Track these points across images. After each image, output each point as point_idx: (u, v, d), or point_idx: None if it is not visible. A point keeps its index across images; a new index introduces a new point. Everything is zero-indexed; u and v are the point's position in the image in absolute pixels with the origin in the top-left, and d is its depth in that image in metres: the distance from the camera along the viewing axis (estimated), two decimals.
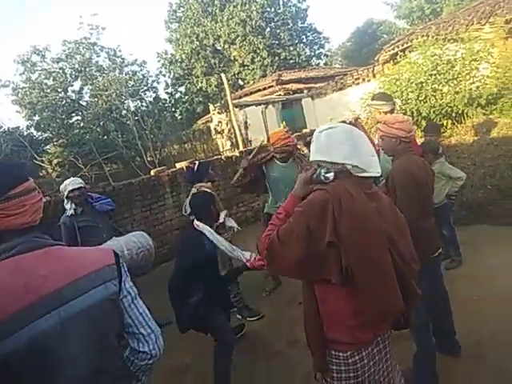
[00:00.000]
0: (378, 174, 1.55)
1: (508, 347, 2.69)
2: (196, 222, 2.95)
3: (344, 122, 3.61)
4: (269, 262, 1.56)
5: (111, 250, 1.34)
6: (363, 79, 12.53)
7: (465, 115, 8.28)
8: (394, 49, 11.41)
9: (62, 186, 3.75)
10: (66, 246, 1.31)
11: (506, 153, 6.16)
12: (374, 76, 11.94)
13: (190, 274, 2.74)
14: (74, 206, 3.71)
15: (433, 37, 9.42)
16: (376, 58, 12.86)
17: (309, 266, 1.46)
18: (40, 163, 12.24)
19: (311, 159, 1.60)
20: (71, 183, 3.68)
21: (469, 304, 3.31)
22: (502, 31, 8.68)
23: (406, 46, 10.69)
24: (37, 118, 15.20)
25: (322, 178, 1.52)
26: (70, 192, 3.64)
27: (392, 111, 3.57)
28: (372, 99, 3.74)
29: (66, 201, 3.74)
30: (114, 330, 1.25)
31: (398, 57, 10.17)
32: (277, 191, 4.01)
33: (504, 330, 2.86)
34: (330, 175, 1.51)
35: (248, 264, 2.75)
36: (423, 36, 9.82)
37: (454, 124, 8.38)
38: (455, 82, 8.34)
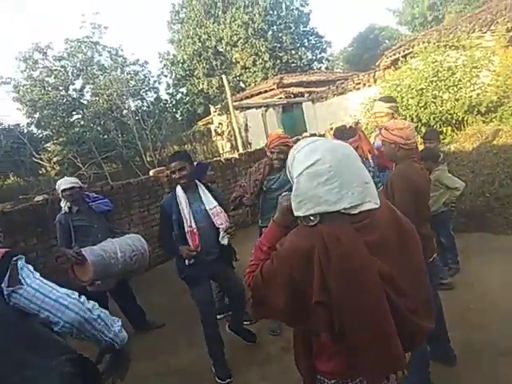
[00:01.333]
0: (376, 206, 1.28)
1: (503, 357, 2.68)
2: None
3: (345, 126, 3.58)
4: (254, 304, 1.43)
5: (3, 251, 1.37)
6: (364, 84, 12.56)
7: (465, 122, 8.30)
8: (395, 54, 11.44)
9: (56, 185, 3.74)
10: None
11: (505, 161, 6.16)
12: (375, 81, 11.97)
13: None
14: (68, 204, 3.69)
15: (434, 43, 9.45)
16: (377, 64, 12.90)
17: (296, 317, 1.33)
18: (39, 161, 12.23)
19: (295, 214, 1.30)
20: (64, 182, 3.66)
21: (466, 312, 3.30)
22: (503, 39, 8.70)
23: (407, 52, 10.72)
24: (37, 115, 15.22)
25: (303, 221, 1.28)
26: (62, 191, 3.63)
27: (393, 114, 3.56)
28: (386, 102, 3.66)
29: (62, 199, 3.73)
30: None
31: (399, 63, 10.20)
32: (270, 205, 3.41)
33: (500, 340, 2.85)
34: (312, 219, 1.26)
35: None
36: (424, 42, 9.85)
37: (453, 131, 8.40)
38: (455, 88, 8.36)
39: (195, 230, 3.02)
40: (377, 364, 1.26)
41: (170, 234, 3.10)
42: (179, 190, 3.09)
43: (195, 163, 4.06)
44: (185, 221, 3.02)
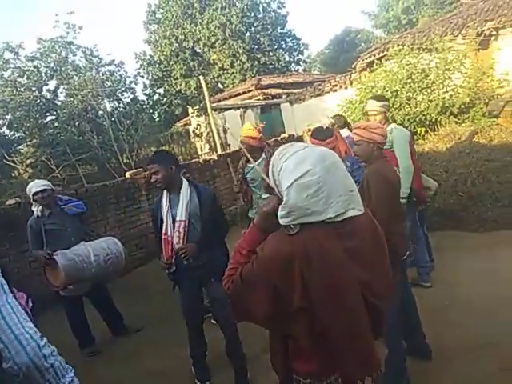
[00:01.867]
0: (360, 212, 1.30)
1: (477, 352, 2.75)
2: None
3: (321, 127, 3.61)
4: (233, 308, 1.42)
5: None
6: (340, 86, 12.73)
7: (438, 123, 8.50)
8: (370, 57, 11.63)
9: (27, 188, 3.64)
10: None
11: (477, 161, 6.33)
12: (351, 83, 12.15)
13: None
14: (40, 207, 3.59)
15: (408, 46, 9.65)
16: (353, 66, 13.09)
17: (276, 323, 1.35)
18: (11, 163, 11.88)
19: (283, 222, 1.27)
20: (34, 185, 3.56)
21: (440, 309, 3.37)
22: (473, 43, 8.97)
23: (382, 54, 10.92)
24: (9, 116, 14.76)
25: (285, 229, 1.28)
26: (33, 194, 3.53)
27: (385, 113, 3.60)
28: (378, 101, 3.62)
29: (33, 203, 3.62)
30: None
31: (374, 65, 10.37)
32: (255, 195, 3.99)
33: (473, 336, 2.92)
34: (293, 227, 1.26)
35: None
36: (399, 45, 10.04)
37: (427, 132, 8.59)
38: (429, 90, 8.57)
39: (169, 238, 2.80)
40: (356, 366, 1.31)
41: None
42: (165, 192, 2.88)
43: None
44: (163, 226, 2.83)
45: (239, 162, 4.23)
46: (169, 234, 2.80)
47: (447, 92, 8.57)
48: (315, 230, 1.25)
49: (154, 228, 3.02)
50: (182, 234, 2.78)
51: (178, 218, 2.78)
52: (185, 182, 2.87)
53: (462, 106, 8.42)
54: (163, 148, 13.16)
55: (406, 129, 3.62)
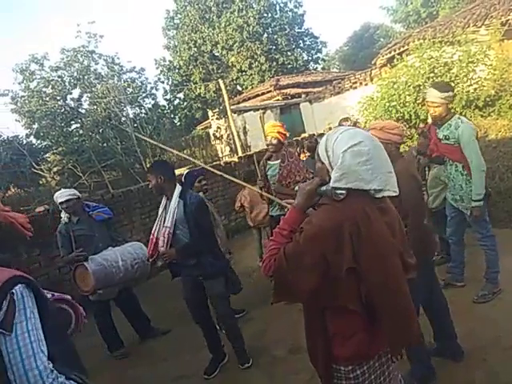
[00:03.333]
0: (396, 194, 1.44)
1: (509, 351, 2.67)
2: None
3: (343, 125, 3.59)
4: (275, 286, 1.45)
5: (7, 277, 1.20)
6: (361, 83, 12.57)
7: (463, 117, 8.28)
8: (390, 52, 11.46)
9: (54, 197, 3.74)
10: None
11: (504, 155, 6.15)
12: (372, 80, 11.99)
13: None
14: (67, 214, 3.69)
15: (429, 40, 9.46)
16: (373, 62, 12.92)
17: (323, 294, 1.39)
18: (39, 171, 12.22)
19: (335, 185, 1.38)
20: (59, 196, 3.65)
21: (474, 307, 3.29)
22: (497, 33, 8.70)
23: (402, 49, 10.74)
24: (36, 126, 15.21)
25: (333, 195, 1.39)
26: (60, 204, 3.64)
27: (447, 105, 3.25)
28: (440, 91, 3.17)
29: (62, 210, 3.73)
30: None
31: (395, 60, 10.22)
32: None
33: (508, 334, 2.83)
34: (343, 193, 1.38)
35: None
36: (420, 39, 9.86)
37: None
38: (453, 84, 8.36)
39: (154, 239, 3.05)
40: (400, 333, 1.42)
41: None
42: (164, 197, 3.14)
43: (185, 172, 4.10)
44: (154, 226, 3.12)
45: (261, 161, 4.40)
46: (155, 235, 3.05)
47: (471, 85, 8.36)
48: (360, 201, 1.38)
49: None
50: (165, 240, 2.99)
51: (164, 224, 3.02)
52: (176, 190, 3.02)
53: (488, 99, 8.20)
54: (184, 152, 13.31)
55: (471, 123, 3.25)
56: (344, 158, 1.37)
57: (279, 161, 4.08)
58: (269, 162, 4.22)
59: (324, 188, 1.43)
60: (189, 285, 3.17)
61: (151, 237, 3.08)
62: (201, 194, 3.81)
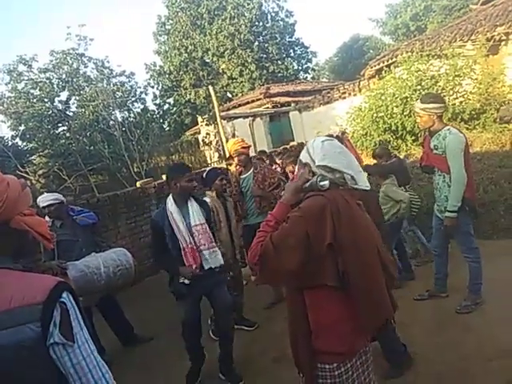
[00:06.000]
0: (368, 188, 1.65)
1: (495, 362, 2.69)
2: None
3: (331, 135, 3.62)
4: (260, 269, 1.50)
5: (52, 285, 1.10)
6: (349, 93, 12.71)
7: None
8: (379, 64, 11.63)
9: (37, 201, 3.66)
10: (14, 271, 1.13)
11: (488, 167, 6.25)
12: (360, 90, 12.13)
13: None
14: (50, 219, 3.62)
15: (417, 53, 9.62)
16: (362, 73, 13.10)
17: (305, 272, 1.48)
18: (24, 174, 12.04)
19: (319, 163, 1.60)
20: (42, 200, 3.57)
21: (456, 318, 3.32)
22: (483, 48, 8.90)
23: (391, 61, 10.90)
24: (22, 128, 15.01)
25: (319, 185, 1.55)
26: (43, 208, 3.56)
27: (431, 116, 3.25)
28: (422, 102, 3.26)
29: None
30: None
31: (383, 72, 10.37)
32: (248, 206, 4.27)
33: (488, 343, 2.86)
34: (326, 183, 1.55)
35: None
36: (408, 52, 10.02)
37: None
38: None
39: (195, 247, 2.87)
40: (374, 307, 1.53)
41: (164, 251, 2.94)
42: (170, 203, 2.93)
43: (208, 168, 4.18)
44: (180, 237, 2.85)
45: (233, 176, 4.45)
46: (192, 243, 2.88)
47: (457, 98, 8.52)
48: (341, 192, 1.58)
49: (155, 239, 3.05)
50: (207, 235, 2.93)
51: (196, 222, 2.91)
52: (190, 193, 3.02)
53: (473, 112, 8.36)
54: (173, 157, 13.27)
55: (461, 133, 3.22)
56: (324, 146, 1.63)
57: (251, 171, 4.23)
58: (241, 176, 4.31)
59: (309, 183, 1.59)
60: (189, 306, 2.96)
61: (189, 246, 2.86)
62: (213, 193, 3.79)
